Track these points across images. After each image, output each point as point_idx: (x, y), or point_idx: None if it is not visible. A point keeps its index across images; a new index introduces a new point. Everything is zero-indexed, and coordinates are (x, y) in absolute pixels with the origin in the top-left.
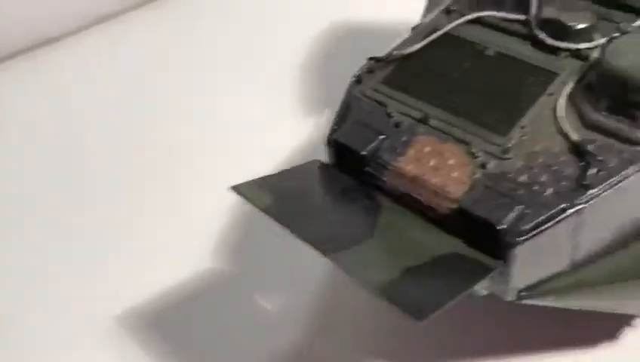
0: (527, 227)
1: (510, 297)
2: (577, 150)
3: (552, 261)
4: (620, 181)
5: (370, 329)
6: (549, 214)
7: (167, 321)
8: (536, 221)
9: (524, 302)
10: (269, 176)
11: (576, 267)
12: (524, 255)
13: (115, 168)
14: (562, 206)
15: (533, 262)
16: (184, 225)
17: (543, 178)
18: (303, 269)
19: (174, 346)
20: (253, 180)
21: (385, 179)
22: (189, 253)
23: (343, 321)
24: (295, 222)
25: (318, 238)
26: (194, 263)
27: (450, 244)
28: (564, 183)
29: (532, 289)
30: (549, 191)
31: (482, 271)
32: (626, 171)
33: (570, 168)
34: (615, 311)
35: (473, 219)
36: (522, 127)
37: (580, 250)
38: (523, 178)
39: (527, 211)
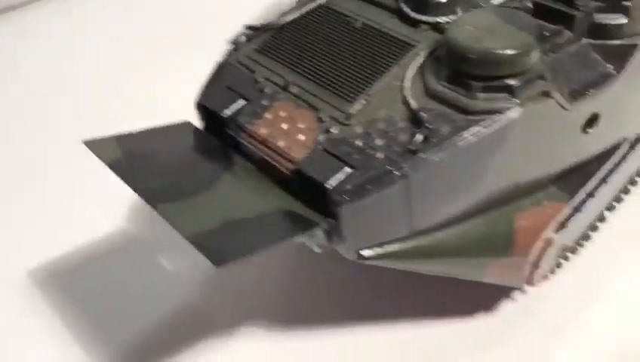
0: (353, 187)
1: (351, 256)
2: (415, 118)
3: (389, 225)
4: (450, 149)
5: (266, 291)
6: (374, 176)
7: (75, 277)
8: (362, 181)
9: (367, 262)
10: (131, 133)
11: (417, 233)
12: (353, 214)
13: (29, 131)
14: (388, 169)
15: (365, 222)
16: (95, 188)
17: (378, 143)
18: None
19: (80, 301)
20: (110, 136)
21: (241, 140)
22: (98, 215)
23: (240, 282)
24: (135, 176)
25: (152, 191)
26: (103, 225)
27: (285, 202)
28: (395, 148)
29: (373, 251)
30: (380, 155)
31: (304, 227)
32: (458, 139)
33: (405, 135)
34: (460, 278)
35: (307, 179)
36: (369, 95)
37: (417, 216)
38: (359, 143)
39: (356, 173)
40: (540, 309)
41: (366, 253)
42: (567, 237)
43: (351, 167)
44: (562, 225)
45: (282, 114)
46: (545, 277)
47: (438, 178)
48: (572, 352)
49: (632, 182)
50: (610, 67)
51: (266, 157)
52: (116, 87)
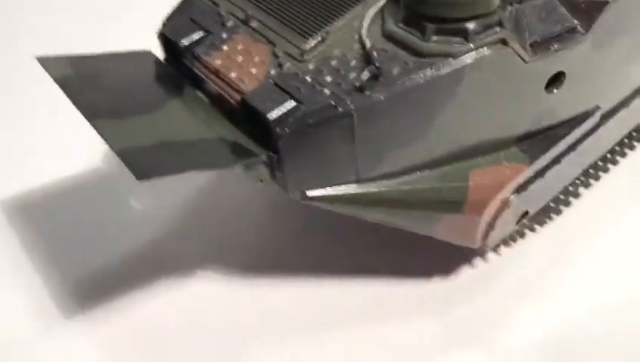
0: (295, 120)
1: (296, 196)
2: (367, 57)
3: (334, 166)
4: (397, 89)
5: (232, 236)
6: (317, 110)
7: (43, 212)
8: (304, 115)
9: (313, 204)
10: (87, 54)
11: (366, 179)
12: (294, 148)
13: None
14: (332, 104)
15: (308, 160)
16: (69, 127)
17: (328, 80)
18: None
19: (47, 235)
20: (65, 55)
21: (195, 70)
22: (72, 153)
23: (207, 225)
24: (79, 92)
25: (93, 107)
26: (76, 162)
27: (229, 133)
28: (343, 86)
29: (318, 192)
30: (327, 91)
31: (242, 156)
32: (406, 80)
33: (356, 74)
34: (412, 230)
35: (251, 109)
36: (327, 33)
37: (365, 160)
38: (309, 78)
39: (300, 107)
40: (500, 276)
41: (311, 193)
42: (527, 202)
43: (296, 100)
44: (522, 188)
45: (240, 47)
46: (506, 243)
47: (384, 120)
48: (530, 317)
49: (609, 160)
50: (577, 23)
51: (218, 89)
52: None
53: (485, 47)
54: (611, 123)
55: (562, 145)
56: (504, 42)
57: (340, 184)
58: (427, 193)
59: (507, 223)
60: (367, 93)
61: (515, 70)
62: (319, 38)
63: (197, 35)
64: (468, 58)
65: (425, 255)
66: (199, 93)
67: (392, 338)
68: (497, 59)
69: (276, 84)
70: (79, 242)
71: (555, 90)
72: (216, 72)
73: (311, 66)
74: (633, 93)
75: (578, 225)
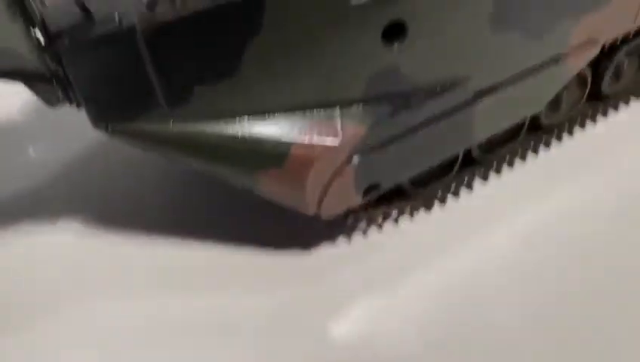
0: (82, 36)
1: (99, 127)
2: None
3: (132, 91)
4: (185, 10)
5: (109, 190)
6: (101, 25)
7: None
8: (88, 29)
9: (118, 138)
10: None
11: (180, 118)
12: (81, 65)
13: None
14: (116, 18)
15: (101, 83)
16: None
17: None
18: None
19: None
20: None
21: None
22: None
23: (103, 175)
24: None
25: None
26: None
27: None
28: (137, 6)
29: (122, 125)
30: (121, 8)
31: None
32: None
33: None
34: (232, 182)
35: (44, 24)
36: None
37: (167, 92)
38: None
39: (89, 24)
40: (353, 261)
41: (114, 125)
42: (373, 173)
43: (87, 16)
44: (363, 154)
45: None
46: (376, 226)
47: (180, 47)
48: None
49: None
50: None
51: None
52: None
53: None
54: (492, 103)
55: (414, 115)
56: None
57: (148, 120)
58: (247, 143)
59: (346, 192)
60: (157, 11)
61: (337, 9)
62: None
63: None
64: None
65: (300, 228)
66: None
67: (219, 309)
68: None
69: (76, 2)
70: None
71: (395, 44)
72: None
73: None
74: (525, 71)
75: (460, 219)
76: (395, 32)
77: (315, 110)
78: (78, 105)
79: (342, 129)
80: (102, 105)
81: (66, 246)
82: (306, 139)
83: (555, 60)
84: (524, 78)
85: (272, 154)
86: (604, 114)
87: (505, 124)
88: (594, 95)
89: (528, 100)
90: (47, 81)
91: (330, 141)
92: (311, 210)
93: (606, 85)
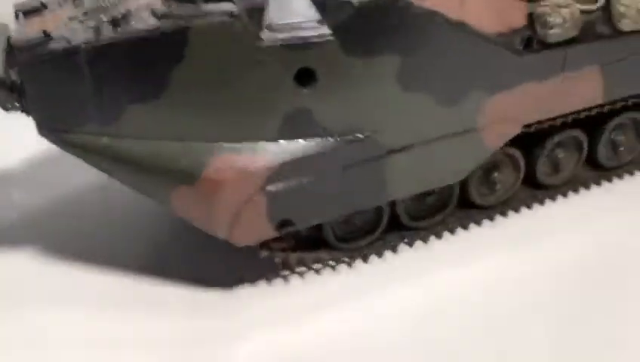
0: (36, 48)
1: (41, 132)
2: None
3: (75, 108)
4: (125, 34)
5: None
6: (57, 42)
7: None
8: (45, 45)
9: (57, 145)
10: None
11: (115, 134)
12: (35, 78)
13: None
14: (67, 38)
15: (51, 96)
16: None
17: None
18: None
19: None
20: None
21: None
22: None
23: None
24: None
25: None
26: None
27: None
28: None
29: (60, 135)
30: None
31: None
32: (134, 29)
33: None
34: (151, 198)
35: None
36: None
37: (102, 107)
38: (78, 21)
39: (47, 40)
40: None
41: (54, 134)
42: (285, 208)
43: (46, 35)
44: (275, 184)
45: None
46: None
47: (115, 67)
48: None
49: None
50: (318, 18)
51: None
52: None
53: (216, 16)
54: (405, 163)
55: (319, 159)
56: (233, 15)
57: (83, 132)
58: (165, 159)
59: (259, 222)
60: (101, 35)
61: (249, 49)
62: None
63: None
64: (193, 20)
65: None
66: None
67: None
68: (226, 32)
69: (45, 31)
70: None
71: (305, 89)
72: None
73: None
74: (440, 138)
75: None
76: (306, 76)
77: (233, 139)
78: (28, 113)
79: (256, 160)
80: (46, 115)
81: None
82: (220, 163)
83: (469, 132)
84: (440, 145)
85: (185, 172)
86: (542, 203)
87: (419, 188)
88: (534, 183)
89: (443, 169)
90: (8, 89)
91: (244, 168)
92: (220, 234)
93: (541, 175)
